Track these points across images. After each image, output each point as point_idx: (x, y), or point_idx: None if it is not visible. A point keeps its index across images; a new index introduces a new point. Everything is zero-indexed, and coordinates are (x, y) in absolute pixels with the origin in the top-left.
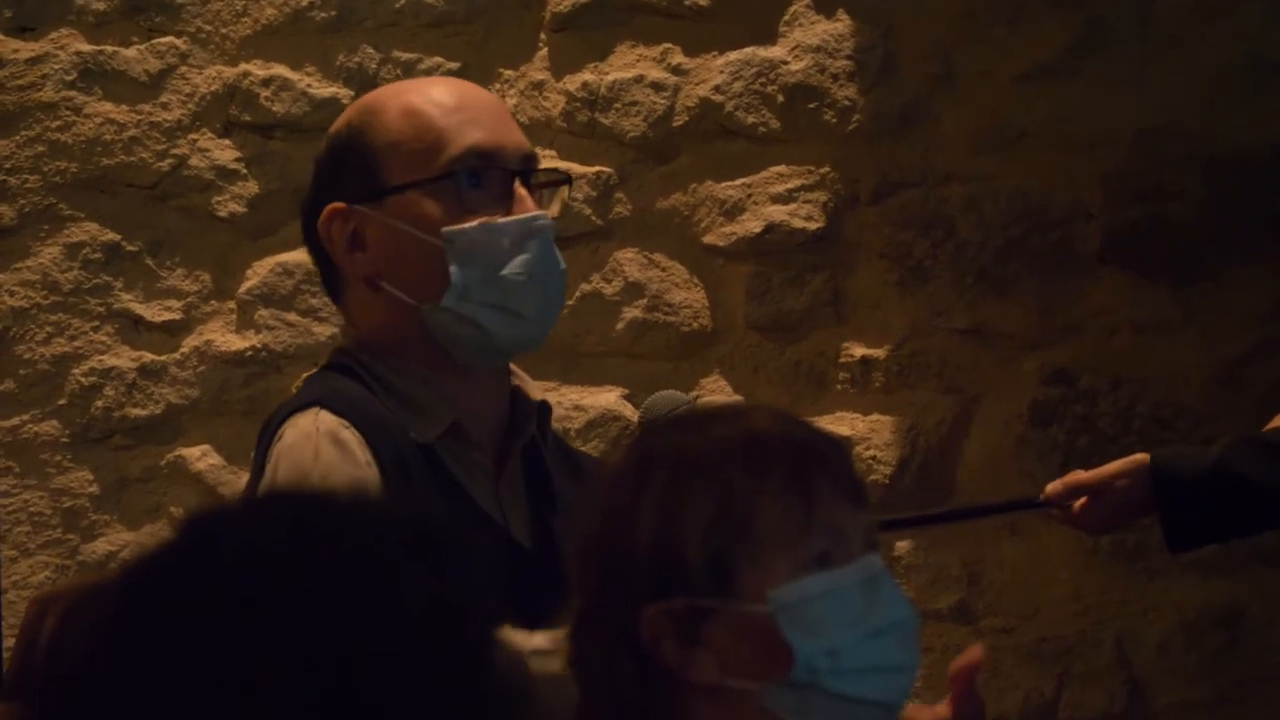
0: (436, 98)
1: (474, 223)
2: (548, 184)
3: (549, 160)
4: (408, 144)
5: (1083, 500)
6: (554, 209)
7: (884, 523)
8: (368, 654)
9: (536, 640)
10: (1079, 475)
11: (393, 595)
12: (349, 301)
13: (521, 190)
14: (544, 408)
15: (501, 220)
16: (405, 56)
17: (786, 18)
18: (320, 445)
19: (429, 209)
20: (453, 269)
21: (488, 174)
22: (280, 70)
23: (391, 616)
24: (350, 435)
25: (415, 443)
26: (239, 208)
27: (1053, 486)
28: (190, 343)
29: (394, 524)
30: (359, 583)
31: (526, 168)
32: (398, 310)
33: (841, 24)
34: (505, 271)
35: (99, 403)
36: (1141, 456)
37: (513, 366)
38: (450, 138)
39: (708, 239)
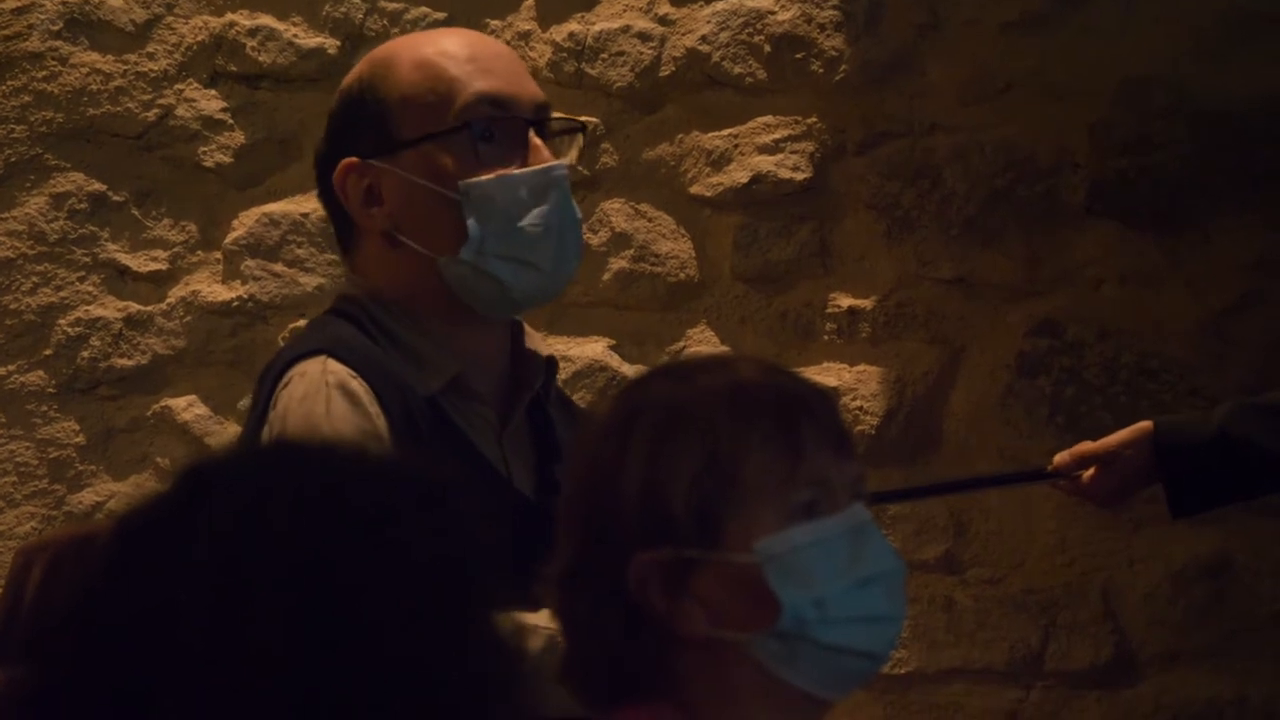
0: (449, 48)
1: (490, 175)
2: (562, 132)
3: None
4: (421, 96)
5: (1091, 470)
6: (570, 157)
7: (889, 495)
8: (365, 609)
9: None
10: (1087, 446)
11: (392, 550)
12: (362, 256)
13: (537, 140)
14: (551, 363)
15: (517, 171)
16: (392, 6)
17: None
18: (331, 398)
19: (444, 161)
20: (469, 222)
21: (502, 124)
22: (266, 20)
23: (391, 572)
24: (359, 386)
25: (419, 395)
26: (225, 158)
27: (1060, 457)
28: (176, 293)
29: (395, 478)
30: (357, 537)
31: (541, 117)
32: (414, 264)
33: None
34: (522, 223)
35: (85, 353)
36: (1146, 424)
37: (520, 320)
38: (462, 87)
39: (694, 189)
